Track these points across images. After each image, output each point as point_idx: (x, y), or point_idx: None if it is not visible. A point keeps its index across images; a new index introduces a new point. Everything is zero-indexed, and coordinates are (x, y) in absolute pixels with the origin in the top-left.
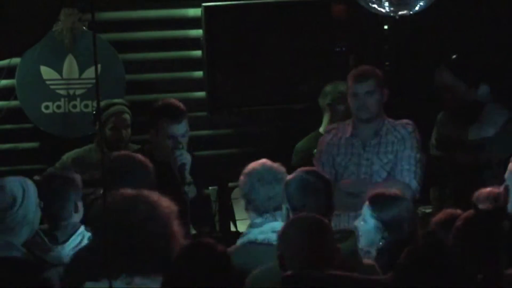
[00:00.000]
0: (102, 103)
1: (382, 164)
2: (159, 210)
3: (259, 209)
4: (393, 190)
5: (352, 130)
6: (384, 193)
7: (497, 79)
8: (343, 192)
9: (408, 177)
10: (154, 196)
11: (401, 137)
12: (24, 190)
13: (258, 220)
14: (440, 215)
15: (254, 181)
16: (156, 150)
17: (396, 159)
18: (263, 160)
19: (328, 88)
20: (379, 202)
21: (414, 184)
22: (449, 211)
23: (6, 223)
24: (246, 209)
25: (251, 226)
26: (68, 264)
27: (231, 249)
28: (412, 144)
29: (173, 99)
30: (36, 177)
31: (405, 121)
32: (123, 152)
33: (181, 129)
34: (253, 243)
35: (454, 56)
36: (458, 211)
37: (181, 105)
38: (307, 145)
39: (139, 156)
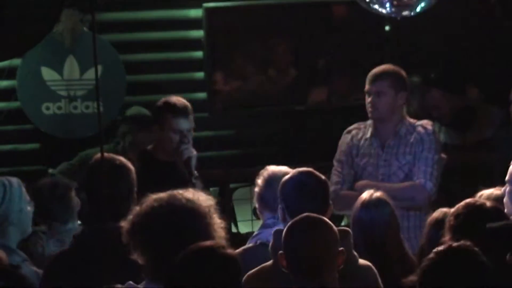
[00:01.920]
0: (134, 110)
1: (400, 165)
2: (198, 207)
3: (272, 208)
4: (380, 194)
5: (372, 130)
6: (369, 196)
7: (488, 80)
8: (359, 193)
9: (424, 178)
10: (189, 193)
11: (420, 138)
12: (6, 191)
13: (270, 221)
14: (434, 215)
15: (270, 179)
16: (159, 150)
17: (414, 160)
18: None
19: None
20: (360, 204)
21: (429, 185)
22: (443, 210)
23: None
24: (259, 210)
25: (263, 226)
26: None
27: (242, 249)
28: (430, 146)
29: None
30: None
31: (425, 121)
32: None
33: (187, 123)
34: (264, 244)
35: (433, 75)
36: (452, 210)
37: (187, 102)
38: None
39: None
